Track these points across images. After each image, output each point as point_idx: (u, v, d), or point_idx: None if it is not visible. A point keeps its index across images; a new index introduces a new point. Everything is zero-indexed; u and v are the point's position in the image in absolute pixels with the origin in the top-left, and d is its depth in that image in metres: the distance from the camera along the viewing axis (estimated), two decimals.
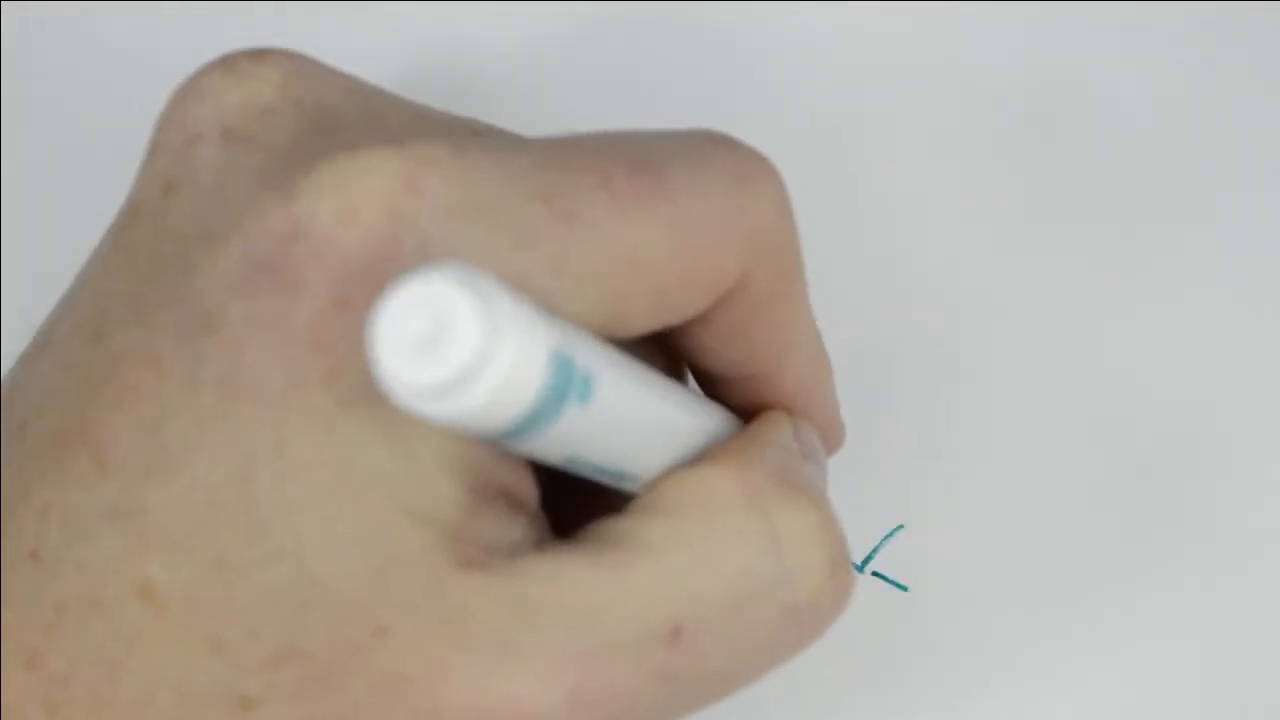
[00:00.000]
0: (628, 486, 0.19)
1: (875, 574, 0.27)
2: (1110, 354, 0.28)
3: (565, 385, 0.15)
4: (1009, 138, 0.29)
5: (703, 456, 0.19)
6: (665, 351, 0.20)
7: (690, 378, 0.22)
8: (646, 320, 0.18)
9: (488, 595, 0.16)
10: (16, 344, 0.19)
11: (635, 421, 0.17)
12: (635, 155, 0.17)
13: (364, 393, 0.16)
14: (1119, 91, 0.29)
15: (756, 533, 0.18)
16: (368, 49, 0.26)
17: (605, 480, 0.18)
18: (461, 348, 0.13)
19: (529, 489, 0.18)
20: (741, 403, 0.21)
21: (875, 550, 0.27)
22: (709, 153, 0.18)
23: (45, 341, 0.19)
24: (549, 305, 0.16)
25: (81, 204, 0.27)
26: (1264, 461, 0.28)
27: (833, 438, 0.23)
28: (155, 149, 0.19)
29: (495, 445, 0.16)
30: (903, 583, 0.27)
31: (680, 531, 0.18)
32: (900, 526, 0.27)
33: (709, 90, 0.29)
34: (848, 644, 0.27)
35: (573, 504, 0.19)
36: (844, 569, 0.19)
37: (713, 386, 0.21)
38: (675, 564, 0.17)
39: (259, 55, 0.19)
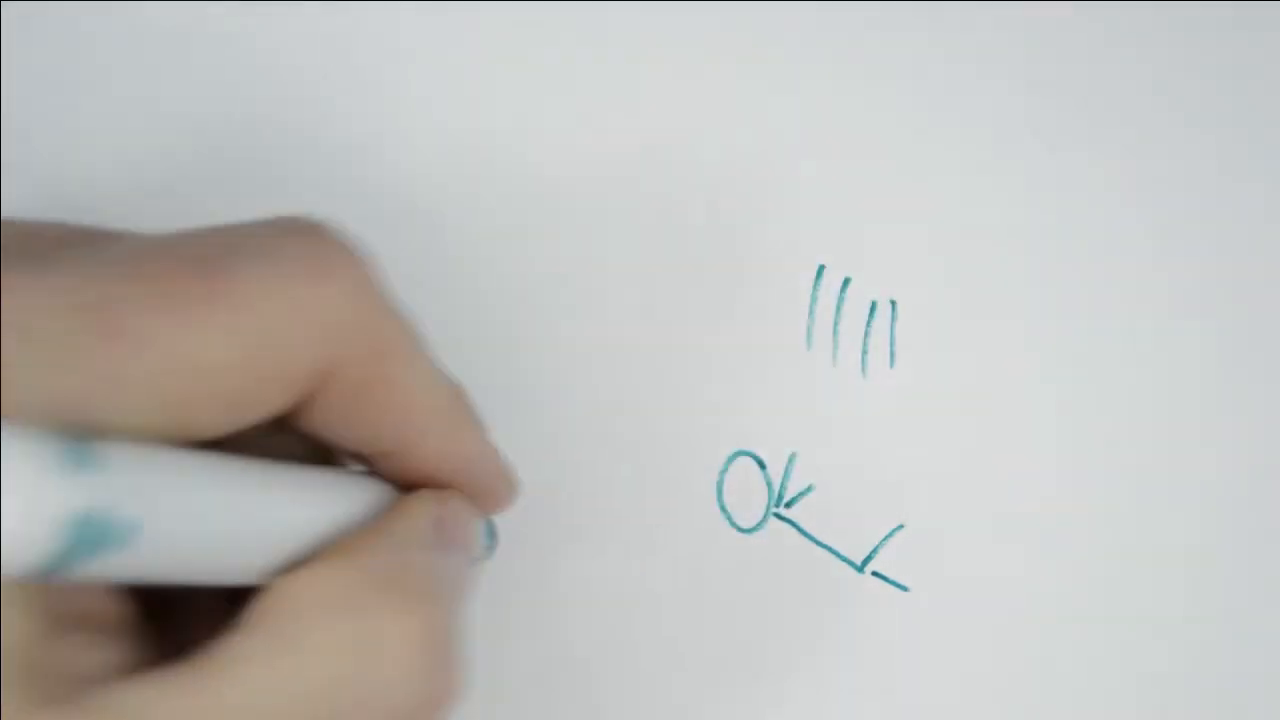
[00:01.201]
0: (244, 584, 0.18)
1: (875, 574, 0.27)
2: (1108, 358, 0.28)
3: (94, 538, 0.14)
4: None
5: (317, 554, 0.18)
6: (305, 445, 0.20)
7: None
8: (224, 422, 0.17)
9: None
10: None
11: (213, 539, 0.17)
12: (198, 256, 0.17)
13: None
14: None
15: (345, 644, 0.17)
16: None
17: (213, 585, 0.18)
18: None
19: (115, 610, 0.17)
20: (397, 475, 0.21)
21: (875, 550, 0.27)
22: (282, 244, 0.18)
23: None
24: (103, 425, 0.15)
25: (81, 204, 0.27)
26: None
27: (499, 494, 0.22)
28: None
29: (47, 583, 0.15)
30: (903, 583, 0.27)
31: (265, 645, 0.17)
32: (900, 526, 0.27)
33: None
34: (848, 644, 0.27)
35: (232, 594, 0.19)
36: (442, 673, 0.19)
37: (366, 460, 0.21)
38: (255, 681, 0.17)
39: None
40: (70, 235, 0.19)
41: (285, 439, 0.19)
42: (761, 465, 0.27)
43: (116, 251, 0.17)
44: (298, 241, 0.18)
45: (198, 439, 0.17)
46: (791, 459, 0.27)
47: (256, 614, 0.17)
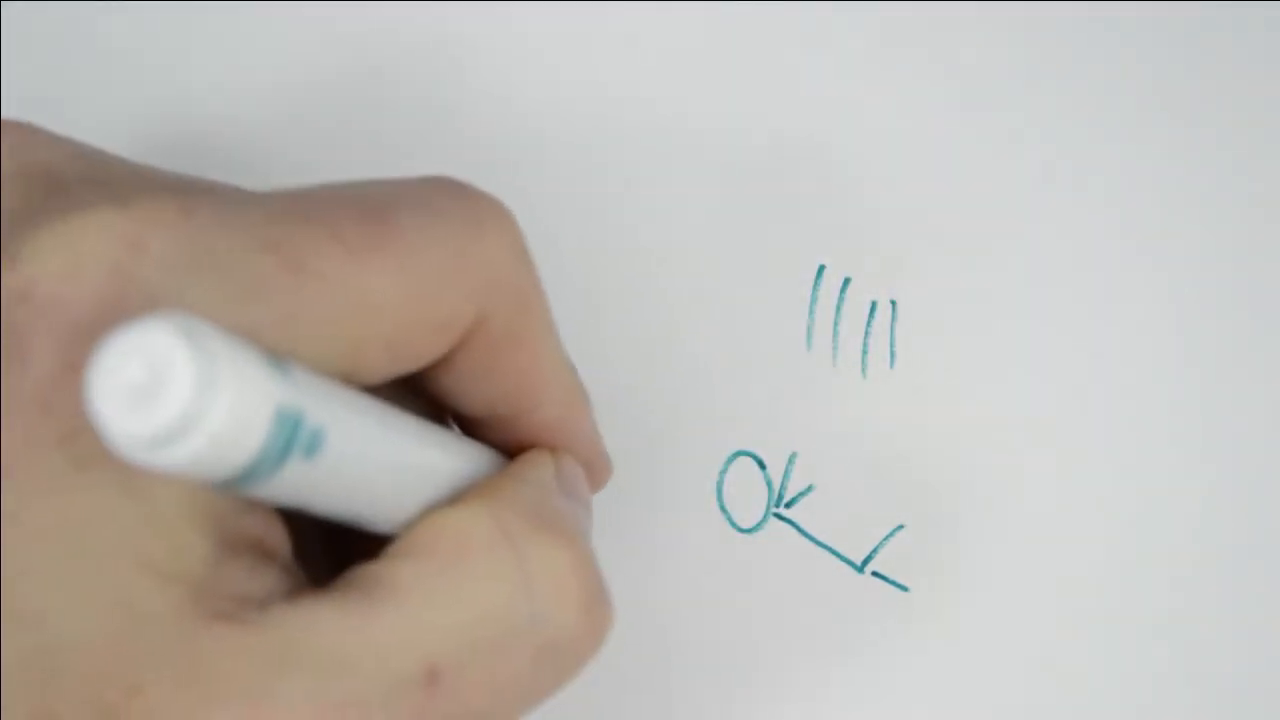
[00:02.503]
0: (384, 530, 0.19)
1: (875, 574, 0.27)
2: (1109, 357, 0.28)
3: (290, 439, 0.15)
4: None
5: (457, 498, 0.19)
6: (424, 394, 0.20)
7: (451, 420, 0.22)
8: (386, 367, 0.18)
9: (238, 648, 0.16)
10: None
11: (378, 470, 0.17)
12: (364, 204, 0.18)
13: (100, 453, 0.15)
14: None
15: (507, 572, 0.18)
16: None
17: (362, 526, 0.18)
18: (176, 398, 0.13)
19: (278, 538, 0.18)
20: (502, 442, 0.21)
21: (875, 550, 0.27)
22: (439, 199, 0.18)
23: None
24: (283, 356, 0.16)
25: None
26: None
27: (597, 472, 0.23)
28: None
29: (238, 495, 0.16)
30: (903, 583, 0.27)
31: (430, 574, 0.18)
32: (900, 526, 0.27)
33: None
34: (848, 644, 0.27)
35: (339, 547, 0.19)
36: (599, 606, 0.19)
37: (472, 427, 0.21)
38: (426, 607, 0.17)
39: None
40: (185, 183, 0.20)
41: (407, 400, 0.20)
42: (761, 465, 0.27)
43: (287, 195, 0.18)
44: (455, 196, 0.19)
45: (359, 383, 0.17)
46: (791, 459, 0.27)
47: (415, 545, 0.18)
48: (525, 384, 0.20)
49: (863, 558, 0.27)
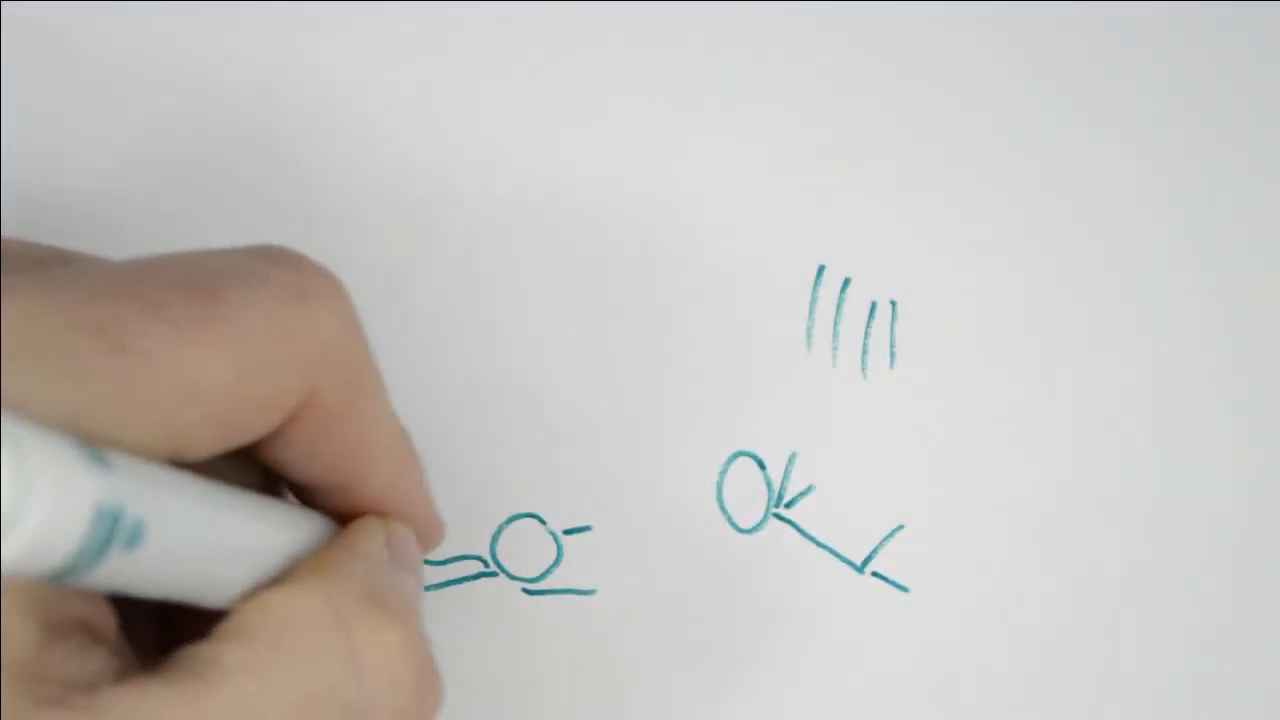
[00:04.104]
0: (215, 606, 0.18)
1: (875, 574, 0.27)
2: (1109, 357, 0.28)
3: (109, 534, 0.15)
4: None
5: (288, 574, 0.19)
6: (256, 462, 0.20)
7: (286, 487, 0.22)
8: (214, 444, 0.18)
9: None
10: None
11: (204, 552, 0.17)
12: (192, 278, 0.17)
13: None
14: None
15: (337, 651, 0.18)
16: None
17: (191, 604, 0.18)
18: None
19: (105, 618, 0.18)
20: (335, 507, 0.21)
21: (875, 550, 0.27)
22: (268, 271, 0.18)
23: None
24: (105, 440, 0.16)
25: (81, 205, 0.27)
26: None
27: (429, 536, 0.23)
28: None
29: (60, 585, 0.16)
30: (902, 583, 0.27)
31: (259, 655, 0.18)
32: (900, 526, 0.27)
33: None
34: (848, 644, 0.27)
35: (169, 620, 0.19)
36: (429, 682, 0.19)
37: (305, 494, 0.21)
38: (255, 688, 0.17)
39: None
40: (45, 255, 0.19)
41: (238, 469, 0.20)
42: (761, 465, 0.27)
43: (111, 271, 0.17)
44: (283, 268, 0.18)
45: (187, 459, 0.17)
46: (791, 459, 0.27)
47: (244, 625, 0.18)
48: (357, 454, 0.20)
49: (863, 558, 0.27)
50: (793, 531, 0.27)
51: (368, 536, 0.21)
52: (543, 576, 0.27)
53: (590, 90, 0.29)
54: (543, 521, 0.27)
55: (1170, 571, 0.27)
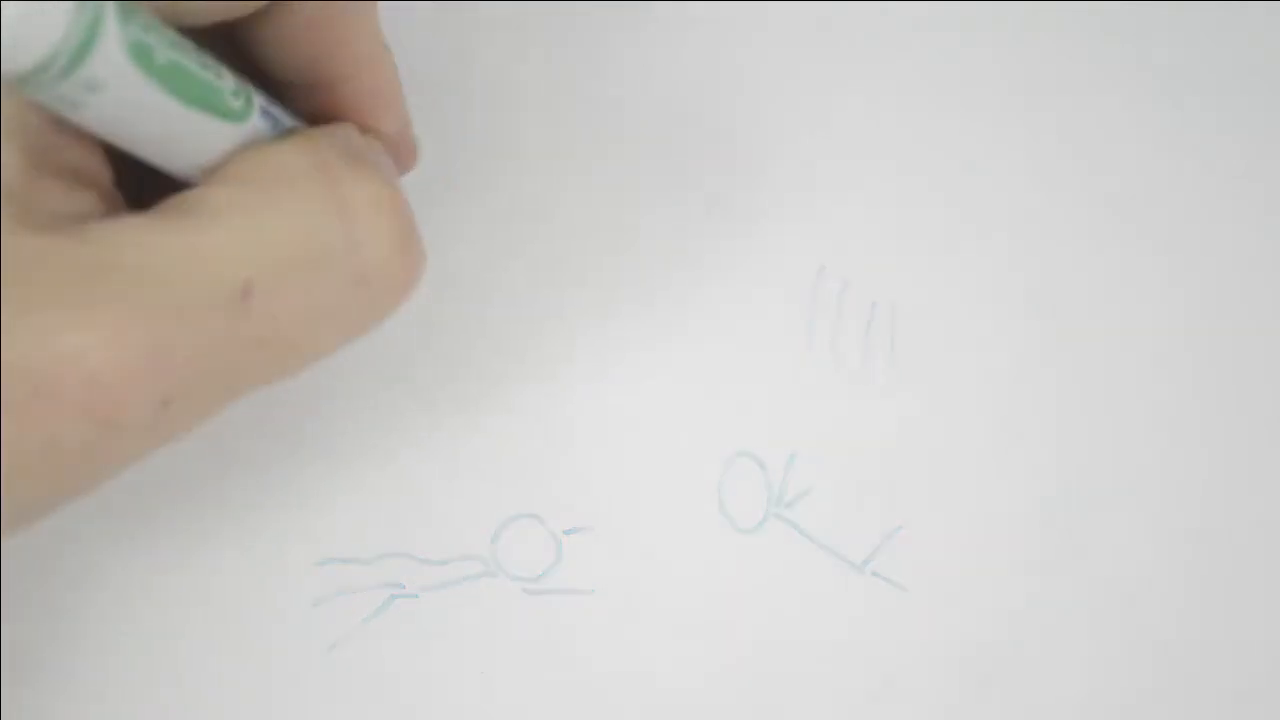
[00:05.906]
0: (192, 168, 0.19)
1: (875, 574, 0.27)
2: (1108, 358, 0.28)
3: (90, 32, 0.15)
4: None
5: (271, 139, 0.19)
6: (243, 59, 0.21)
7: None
8: (209, 8, 0.18)
9: (53, 256, 0.17)
10: None
11: (187, 97, 0.18)
12: None
13: None
14: None
15: (323, 199, 0.19)
16: None
17: (176, 169, 0.19)
18: None
19: (98, 168, 0.18)
20: (311, 112, 0.21)
21: (875, 550, 0.27)
22: None
23: None
24: None
25: None
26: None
27: (404, 155, 0.23)
28: None
29: (56, 118, 0.16)
30: (903, 583, 0.27)
31: (248, 197, 0.18)
32: (900, 527, 0.27)
33: None
34: (848, 643, 0.27)
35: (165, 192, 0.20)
36: (412, 243, 0.20)
37: (285, 97, 0.21)
38: (243, 225, 0.18)
39: None
40: None
41: (227, 57, 0.20)
42: (761, 465, 0.27)
43: None
44: None
45: (183, 23, 0.18)
46: (791, 459, 0.27)
47: (235, 172, 0.19)
48: (342, 56, 0.20)
49: (863, 558, 0.27)
50: (793, 531, 0.27)
51: (344, 126, 0.21)
52: (543, 576, 0.27)
53: (588, 91, 0.29)
54: (543, 521, 0.27)
55: (1169, 571, 0.27)
